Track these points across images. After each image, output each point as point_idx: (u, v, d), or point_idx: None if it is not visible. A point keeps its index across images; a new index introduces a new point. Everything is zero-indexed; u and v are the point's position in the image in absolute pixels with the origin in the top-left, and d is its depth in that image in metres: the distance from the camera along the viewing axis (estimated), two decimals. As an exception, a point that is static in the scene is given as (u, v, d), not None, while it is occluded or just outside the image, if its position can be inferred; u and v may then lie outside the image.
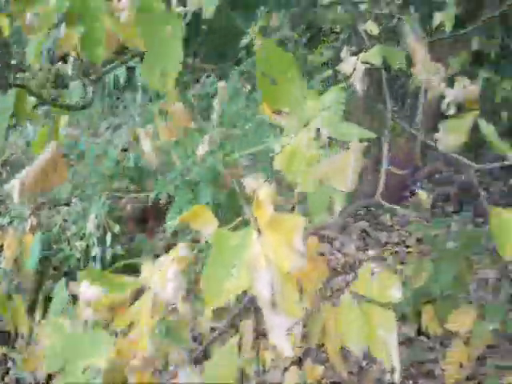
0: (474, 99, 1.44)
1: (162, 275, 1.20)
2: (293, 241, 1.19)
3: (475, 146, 4.68)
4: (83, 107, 2.03)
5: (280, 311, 1.17)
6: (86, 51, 1.58)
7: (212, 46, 8.69)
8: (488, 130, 1.43)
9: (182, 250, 1.26)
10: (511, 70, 5.82)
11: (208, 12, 3.63)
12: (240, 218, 1.32)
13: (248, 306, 1.53)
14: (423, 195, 2.14)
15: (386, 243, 5.84)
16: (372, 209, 6.18)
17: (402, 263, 5.29)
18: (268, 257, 1.19)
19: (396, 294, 1.57)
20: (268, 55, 1.35)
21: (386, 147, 2.37)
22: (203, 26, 3.68)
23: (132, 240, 5.40)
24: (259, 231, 1.24)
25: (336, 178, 1.36)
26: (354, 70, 2.46)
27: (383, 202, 2.18)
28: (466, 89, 1.43)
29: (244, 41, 7.75)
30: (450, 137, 1.41)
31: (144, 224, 5.46)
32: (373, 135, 1.38)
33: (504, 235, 1.39)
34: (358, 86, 2.42)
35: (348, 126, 1.40)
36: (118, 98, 7.14)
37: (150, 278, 1.21)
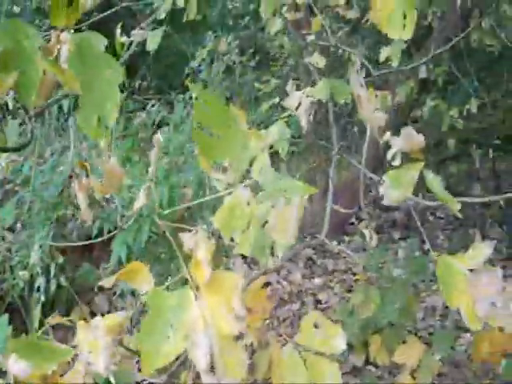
0: (420, 149, 1.42)
1: (95, 345, 1.15)
2: (231, 302, 1.16)
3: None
4: (20, 148, 1.96)
5: (218, 375, 1.13)
6: (21, 95, 1.52)
7: (159, 71, 8.66)
8: (434, 181, 1.41)
9: (117, 317, 1.21)
10: (458, 97, 5.89)
11: (152, 45, 3.60)
12: (179, 275, 1.27)
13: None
14: (367, 233, 2.11)
15: (333, 271, 5.82)
16: (318, 236, 6.17)
17: (349, 291, 5.29)
18: (206, 319, 1.15)
19: (340, 344, 1.54)
20: (206, 107, 1.32)
21: (331, 185, 2.36)
22: (150, 51, 3.64)
23: (77, 270, 5.31)
24: (197, 289, 1.20)
25: (277, 232, 1.33)
26: (300, 104, 2.44)
27: (328, 242, 2.16)
28: (412, 139, 1.41)
29: (191, 65, 7.75)
30: (395, 192, 1.39)
31: (89, 253, 5.38)
32: (312, 190, 1.35)
33: (450, 283, 1.36)
34: (303, 120, 2.40)
35: (288, 182, 1.37)
36: (66, 120, 7.05)
37: (83, 343, 1.16)
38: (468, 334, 4.38)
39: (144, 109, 6.43)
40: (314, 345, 1.51)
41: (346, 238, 6.29)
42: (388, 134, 1.44)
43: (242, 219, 1.33)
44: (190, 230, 1.31)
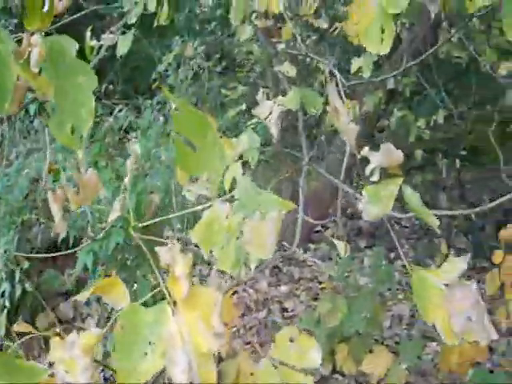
0: (399, 165, 1.42)
1: (72, 365, 1.12)
2: (210, 318, 1.14)
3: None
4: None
5: (196, 391, 1.11)
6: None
7: (126, 75, 8.61)
8: (412, 197, 1.41)
9: (93, 334, 1.18)
10: (425, 108, 5.93)
11: (122, 49, 3.57)
12: (156, 290, 1.25)
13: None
14: (340, 244, 2.11)
15: (299, 279, 5.81)
16: (285, 244, 6.16)
17: (316, 299, 5.29)
18: (184, 336, 1.13)
19: (315, 357, 1.53)
20: (185, 119, 1.30)
21: (301, 196, 2.35)
22: (119, 56, 3.61)
23: (41, 275, 5.27)
24: (175, 304, 1.18)
25: (254, 247, 1.32)
26: (270, 113, 2.44)
27: (300, 253, 2.15)
28: (391, 154, 1.41)
29: (158, 69, 7.72)
30: (374, 208, 1.38)
31: (54, 258, 5.33)
32: (291, 206, 1.34)
33: (425, 298, 1.35)
34: (274, 129, 2.40)
35: (266, 196, 1.35)
36: (32, 122, 6.97)
37: (59, 362, 1.13)
38: (434, 344, 4.40)
39: (111, 113, 6.39)
40: (290, 358, 1.50)
41: (312, 246, 6.28)
42: (366, 148, 1.44)
43: (220, 234, 1.32)
44: (166, 244, 1.29)
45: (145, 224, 1.49)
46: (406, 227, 6.76)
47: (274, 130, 2.40)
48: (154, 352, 1.13)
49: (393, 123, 5.55)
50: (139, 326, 1.16)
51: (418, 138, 5.47)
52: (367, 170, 1.42)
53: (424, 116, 5.44)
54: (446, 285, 1.34)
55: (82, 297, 1.28)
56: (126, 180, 1.59)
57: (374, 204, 1.38)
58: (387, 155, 1.41)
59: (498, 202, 1.91)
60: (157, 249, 1.26)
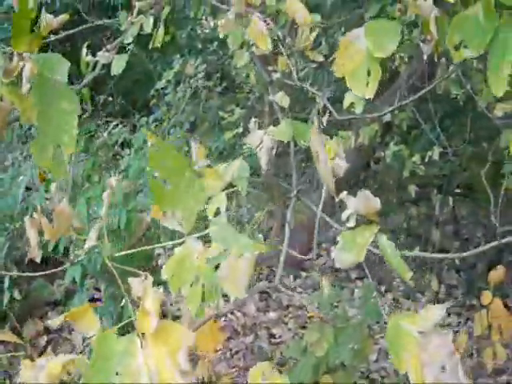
0: (375, 212, 1.41)
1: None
2: (177, 355, 1.13)
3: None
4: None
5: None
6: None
7: (124, 88, 8.60)
8: (388, 247, 1.41)
9: (61, 360, 1.18)
10: (421, 144, 5.91)
11: (116, 69, 3.57)
12: (129, 320, 1.25)
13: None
14: (324, 282, 2.10)
15: (288, 306, 5.78)
16: (274, 269, 6.13)
17: (304, 327, 5.26)
18: (151, 370, 1.13)
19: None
20: (162, 158, 1.30)
21: (287, 229, 2.33)
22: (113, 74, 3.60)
23: (31, 282, 5.26)
24: (144, 335, 1.18)
25: (229, 284, 1.31)
26: (261, 142, 2.43)
27: (282, 289, 2.14)
28: (368, 201, 1.40)
29: (157, 86, 7.70)
30: (348, 255, 1.38)
31: (44, 266, 5.31)
32: (264, 249, 1.33)
33: (399, 345, 1.34)
34: (263, 160, 2.39)
35: (240, 239, 1.34)
36: (30, 129, 6.98)
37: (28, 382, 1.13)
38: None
39: (107, 129, 6.39)
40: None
41: (303, 274, 6.26)
42: (344, 193, 1.43)
43: (190, 272, 1.31)
44: (139, 275, 1.29)
45: (123, 253, 1.48)
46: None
47: (263, 161, 2.39)
48: (122, 382, 1.12)
49: (388, 156, 5.52)
50: (109, 355, 1.15)
51: (413, 172, 5.44)
52: (343, 216, 1.41)
53: (419, 151, 5.41)
54: (422, 332, 1.32)
55: (54, 323, 1.28)
56: (104, 210, 1.58)
57: (348, 251, 1.38)
58: (364, 202, 1.40)
59: (486, 247, 1.91)
60: (130, 280, 1.26)
